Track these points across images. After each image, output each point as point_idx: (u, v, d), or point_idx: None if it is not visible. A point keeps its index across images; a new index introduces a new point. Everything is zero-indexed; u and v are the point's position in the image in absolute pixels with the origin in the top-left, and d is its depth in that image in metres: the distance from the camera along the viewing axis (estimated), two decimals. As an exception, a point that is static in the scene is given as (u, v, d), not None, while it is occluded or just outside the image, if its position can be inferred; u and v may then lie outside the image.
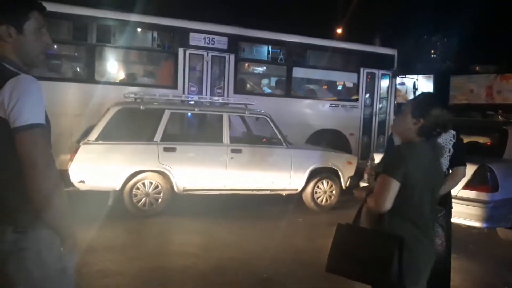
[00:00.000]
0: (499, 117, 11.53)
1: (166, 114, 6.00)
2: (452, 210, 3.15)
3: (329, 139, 8.32)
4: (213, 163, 6.08)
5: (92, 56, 7.32)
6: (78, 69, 7.76)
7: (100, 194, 5.86)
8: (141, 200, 5.80)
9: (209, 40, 7.99)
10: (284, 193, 6.57)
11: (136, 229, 5.28)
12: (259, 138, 6.86)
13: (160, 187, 5.86)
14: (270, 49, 8.90)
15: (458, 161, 2.99)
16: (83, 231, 4.68)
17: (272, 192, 6.51)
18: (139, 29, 8.10)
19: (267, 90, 9.13)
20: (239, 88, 8.38)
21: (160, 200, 5.87)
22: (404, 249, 2.00)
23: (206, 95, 7.82)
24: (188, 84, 7.88)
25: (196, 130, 6.82)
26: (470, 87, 16.24)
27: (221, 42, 8.11)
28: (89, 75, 7.31)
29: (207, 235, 5.14)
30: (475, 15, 22.50)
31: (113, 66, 7.95)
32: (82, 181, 5.52)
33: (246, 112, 6.54)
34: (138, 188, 5.79)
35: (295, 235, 5.36)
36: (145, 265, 4.08)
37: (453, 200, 3.24)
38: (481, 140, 6.31)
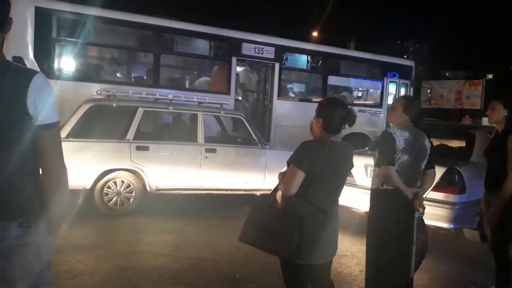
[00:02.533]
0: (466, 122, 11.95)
1: (140, 112, 5.91)
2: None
3: (357, 142, 8.52)
4: (187, 163, 6.03)
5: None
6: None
7: (70, 193, 5.70)
8: (112, 199, 5.69)
9: (258, 50, 8.74)
10: (258, 193, 6.57)
11: (107, 229, 5.17)
12: (234, 138, 6.85)
13: (132, 186, 5.77)
14: (309, 58, 9.80)
15: (429, 163, 3.08)
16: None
17: (246, 192, 6.50)
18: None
19: (305, 95, 10.16)
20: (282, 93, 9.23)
21: (132, 199, 5.77)
22: (304, 227, 2.36)
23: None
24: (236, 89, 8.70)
25: (170, 129, 6.75)
26: (440, 92, 16.70)
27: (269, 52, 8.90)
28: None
29: (179, 234, 5.08)
30: (446, 23, 23.21)
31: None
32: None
33: (221, 112, 6.50)
34: (109, 187, 5.67)
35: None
36: (114, 264, 4.00)
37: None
38: (450, 143, 6.50)
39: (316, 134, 2.56)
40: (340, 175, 2.58)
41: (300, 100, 9.87)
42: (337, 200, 2.60)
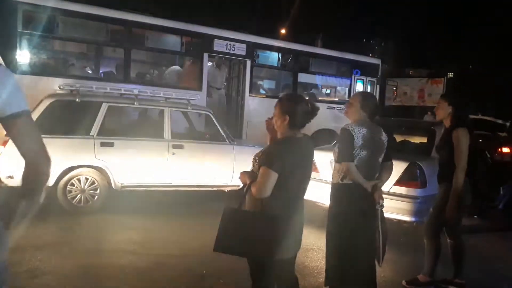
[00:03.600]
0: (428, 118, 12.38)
1: (104, 107, 5.78)
2: (384, 205, 3.32)
3: (325, 138, 8.63)
4: (153, 159, 5.95)
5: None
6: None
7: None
8: (76, 196, 5.55)
9: (230, 47, 8.72)
10: (226, 189, 6.57)
11: (70, 227, 5.04)
12: (202, 134, 6.81)
13: (96, 183, 5.64)
14: (280, 56, 9.84)
15: (386, 156, 3.19)
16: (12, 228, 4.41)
17: (214, 189, 6.49)
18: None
19: (276, 92, 10.14)
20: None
21: (96, 196, 5.65)
22: (279, 227, 2.37)
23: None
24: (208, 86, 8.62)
25: (136, 124, 6.63)
26: (404, 90, 17.17)
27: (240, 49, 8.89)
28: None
29: (146, 232, 5.02)
30: (410, 21, 23.81)
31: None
32: (11, 177, 5.16)
33: (189, 108, 6.45)
34: (73, 184, 5.53)
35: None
36: (78, 263, 3.92)
37: (385, 196, 3.42)
38: (413, 139, 6.70)
39: (281, 131, 2.55)
40: (307, 170, 2.61)
41: (271, 97, 9.87)
42: (303, 195, 2.63)
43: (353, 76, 10.80)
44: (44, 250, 4.16)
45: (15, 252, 3.92)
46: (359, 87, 10.89)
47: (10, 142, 5.23)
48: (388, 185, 4.85)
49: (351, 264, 3.04)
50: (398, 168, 4.87)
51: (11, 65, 6.61)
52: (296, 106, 2.52)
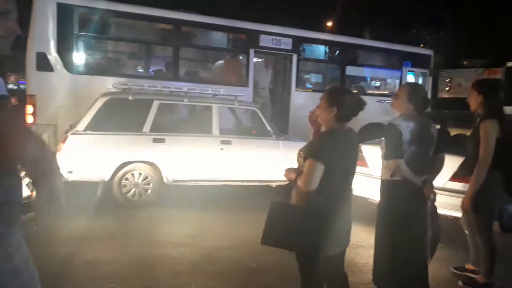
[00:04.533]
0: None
1: (155, 104, 5.97)
2: (439, 201, 3.21)
3: (375, 132, 8.59)
4: (202, 154, 6.08)
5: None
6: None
7: (89, 185, 5.83)
8: (130, 190, 5.79)
9: (276, 42, 8.70)
10: (273, 184, 6.59)
11: (126, 220, 5.27)
12: (249, 129, 6.86)
13: (149, 178, 5.85)
14: (326, 49, 9.82)
15: (437, 148, 3.06)
16: (72, 221, 4.68)
17: (261, 184, 6.53)
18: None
19: (323, 86, 9.95)
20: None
21: (149, 190, 5.86)
22: (325, 222, 2.35)
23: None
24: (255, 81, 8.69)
25: (186, 121, 6.80)
26: (458, 81, 16.39)
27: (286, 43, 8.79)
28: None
29: (196, 225, 5.15)
30: (464, 10, 22.65)
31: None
32: (70, 172, 5.48)
33: (236, 104, 6.53)
34: (127, 179, 5.77)
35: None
36: (134, 254, 4.09)
37: (440, 192, 3.31)
38: (468, 133, 6.39)
39: (327, 123, 2.52)
40: (353, 163, 2.58)
41: (318, 91, 9.81)
42: (350, 189, 2.60)
43: (403, 68, 10.45)
44: (102, 242, 4.38)
45: (77, 243, 4.17)
46: (410, 79, 10.53)
47: (70, 138, 5.57)
48: (443, 181, 4.67)
49: (400, 262, 2.96)
50: (453, 163, 4.68)
51: (68, 66, 7.00)
52: (343, 98, 2.49)
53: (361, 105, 2.51)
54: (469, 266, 3.96)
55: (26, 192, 1.59)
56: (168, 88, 6.43)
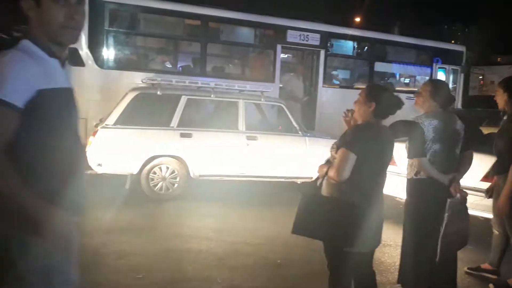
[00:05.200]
0: None
1: (183, 100, 6.04)
2: (470, 201, 3.14)
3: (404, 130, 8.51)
4: (228, 150, 6.11)
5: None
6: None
7: (117, 178, 5.95)
8: (157, 184, 5.88)
9: (303, 37, 8.60)
10: (299, 181, 6.57)
11: (153, 213, 5.36)
12: (275, 125, 6.85)
13: (176, 172, 5.93)
14: (355, 44, 9.66)
15: (464, 146, 3.01)
16: (101, 213, 4.80)
17: (287, 180, 6.52)
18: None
19: (350, 83, 10.01)
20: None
21: (176, 184, 5.94)
22: (356, 215, 2.34)
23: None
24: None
25: (213, 116, 6.85)
26: (491, 78, 15.89)
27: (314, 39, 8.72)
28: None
29: (221, 219, 5.19)
30: (499, 4, 21.89)
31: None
32: (100, 165, 5.61)
33: (262, 99, 6.53)
34: (155, 173, 5.86)
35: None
36: (160, 247, 4.16)
37: (471, 192, 3.24)
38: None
39: (364, 119, 2.53)
40: (386, 160, 2.56)
41: (346, 87, 9.70)
42: (382, 188, 2.58)
43: (433, 65, 10.21)
44: (128, 234, 4.47)
45: (104, 235, 4.27)
46: (441, 76, 10.27)
47: (100, 131, 5.69)
48: (474, 181, 4.55)
49: (427, 262, 2.91)
50: (485, 162, 4.54)
51: (98, 61, 7.16)
52: (383, 95, 2.51)
53: (399, 104, 2.52)
54: (485, 266, 3.89)
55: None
56: (195, 84, 6.49)
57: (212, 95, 6.28)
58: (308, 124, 8.09)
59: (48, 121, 1.47)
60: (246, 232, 4.77)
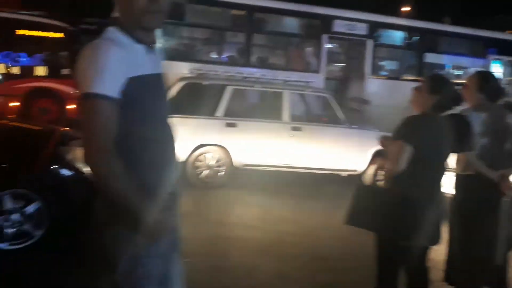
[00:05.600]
0: None
1: (228, 90, 6.10)
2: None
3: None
4: (272, 140, 6.13)
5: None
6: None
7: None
8: (203, 172, 6.00)
9: (350, 27, 8.44)
10: (343, 173, 6.49)
11: (199, 199, 5.48)
12: (320, 116, 6.80)
13: (221, 161, 6.03)
14: (404, 35, 9.24)
15: None
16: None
17: (330, 172, 6.47)
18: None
19: (398, 74, 9.57)
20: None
21: (221, 173, 6.04)
22: (411, 208, 2.30)
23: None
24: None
25: (257, 106, 6.89)
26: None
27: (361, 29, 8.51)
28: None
29: (266, 208, 5.24)
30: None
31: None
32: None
33: (307, 90, 6.49)
34: (200, 161, 5.99)
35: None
36: (208, 233, 4.25)
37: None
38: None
39: (422, 109, 2.49)
40: (444, 153, 2.50)
41: (394, 79, 9.42)
42: (440, 182, 2.51)
43: (488, 56, 9.72)
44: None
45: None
46: (496, 68, 9.76)
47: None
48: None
49: (476, 261, 2.81)
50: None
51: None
52: (448, 88, 2.46)
53: (459, 100, 2.49)
54: None
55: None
56: (240, 74, 6.54)
57: (257, 86, 6.31)
58: (354, 116, 7.94)
59: (141, 109, 1.44)
60: (290, 222, 4.80)
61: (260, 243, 4.13)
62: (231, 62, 8.28)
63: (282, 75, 6.59)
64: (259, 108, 6.79)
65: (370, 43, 8.69)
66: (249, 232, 4.39)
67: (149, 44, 1.52)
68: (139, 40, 1.48)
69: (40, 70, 9.39)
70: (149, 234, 1.45)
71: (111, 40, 1.43)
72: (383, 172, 2.48)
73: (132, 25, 1.46)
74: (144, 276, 1.50)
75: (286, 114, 6.20)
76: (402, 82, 8.75)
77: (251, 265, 3.66)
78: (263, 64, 8.40)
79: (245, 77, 6.52)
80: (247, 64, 7.88)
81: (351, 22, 8.50)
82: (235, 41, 8.80)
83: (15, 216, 3.58)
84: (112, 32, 1.47)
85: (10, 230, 3.58)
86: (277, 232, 4.44)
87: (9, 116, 5.53)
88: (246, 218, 4.84)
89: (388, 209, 2.33)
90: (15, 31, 9.16)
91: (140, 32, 1.48)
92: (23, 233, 3.61)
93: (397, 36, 9.33)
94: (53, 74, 9.23)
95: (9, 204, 3.57)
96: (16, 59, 9.38)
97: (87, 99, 1.34)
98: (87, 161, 1.38)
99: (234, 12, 8.32)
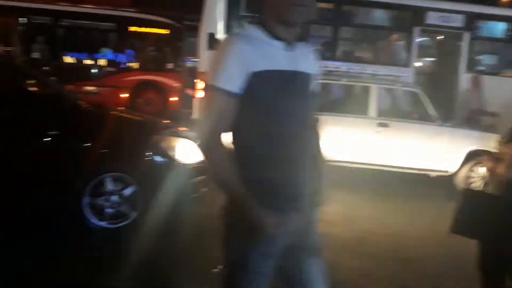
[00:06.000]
0: None
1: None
2: None
3: None
4: (357, 136, 5.97)
5: None
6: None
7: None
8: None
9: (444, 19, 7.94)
10: (432, 174, 6.13)
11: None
12: (409, 113, 6.47)
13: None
14: (508, 26, 8.38)
15: None
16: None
17: (419, 172, 6.14)
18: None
19: (498, 69, 8.77)
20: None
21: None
22: None
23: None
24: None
25: (343, 101, 6.73)
26: None
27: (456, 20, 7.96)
28: None
29: (349, 206, 5.11)
30: None
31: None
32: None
33: (396, 85, 6.21)
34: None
35: (442, 219, 4.99)
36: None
37: None
38: None
39: None
40: None
41: (492, 74, 8.57)
42: None
43: None
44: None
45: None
46: None
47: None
48: None
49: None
50: None
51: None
52: None
53: None
54: None
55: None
56: (326, 68, 6.44)
57: (343, 79, 6.17)
58: (447, 113, 7.45)
59: (262, 104, 1.44)
60: (374, 221, 4.66)
61: (342, 240, 4.05)
62: (317, 56, 8.17)
63: (370, 69, 6.36)
64: (345, 102, 6.63)
65: (466, 36, 8.05)
66: (331, 228, 4.30)
67: (290, 40, 1.48)
68: (276, 37, 1.46)
69: (147, 64, 10.10)
70: (256, 230, 1.43)
71: (243, 36, 1.50)
72: (488, 176, 2.30)
73: (276, 20, 1.45)
74: (249, 272, 1.51)
75: (372, 109, 5.99)
76: (501, 78, 8.07)
77: (332, 261, 3.60)
78: (349, 57, 8.20)
79: (331, 71, 6.39)
80: (333, 58, 7.74)
81: (445, 13, 7.94)
82: (322, 34, 8.67)
83: (114, 198, 3.92)
84: (249, 28, 1.52)
85: (109, 210, 3.91)
86: (360, 230, 4.34)
87: (118, 108, 6.02)
88: (328, 214, 4.69)
89: (505, 218, 2.15)
90: (128, 28, 9.93)
91: (280, 29, 1.46)
92: (120, 213, 3.93)
93: (498, 28, 8.55)
94: (159, 68, 9.88)
95: (109, 186, 3.90)
96: (127, 53, 10.18)
97: (208, 90, 1.46)
98: (199, 145, 1.49)
99: (322, 4, 8.18)
